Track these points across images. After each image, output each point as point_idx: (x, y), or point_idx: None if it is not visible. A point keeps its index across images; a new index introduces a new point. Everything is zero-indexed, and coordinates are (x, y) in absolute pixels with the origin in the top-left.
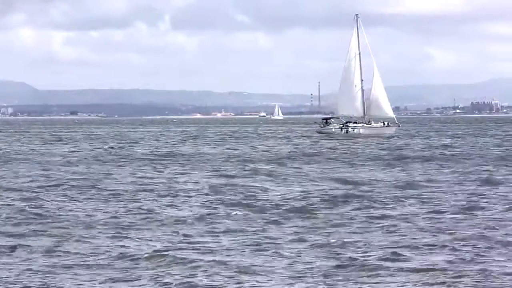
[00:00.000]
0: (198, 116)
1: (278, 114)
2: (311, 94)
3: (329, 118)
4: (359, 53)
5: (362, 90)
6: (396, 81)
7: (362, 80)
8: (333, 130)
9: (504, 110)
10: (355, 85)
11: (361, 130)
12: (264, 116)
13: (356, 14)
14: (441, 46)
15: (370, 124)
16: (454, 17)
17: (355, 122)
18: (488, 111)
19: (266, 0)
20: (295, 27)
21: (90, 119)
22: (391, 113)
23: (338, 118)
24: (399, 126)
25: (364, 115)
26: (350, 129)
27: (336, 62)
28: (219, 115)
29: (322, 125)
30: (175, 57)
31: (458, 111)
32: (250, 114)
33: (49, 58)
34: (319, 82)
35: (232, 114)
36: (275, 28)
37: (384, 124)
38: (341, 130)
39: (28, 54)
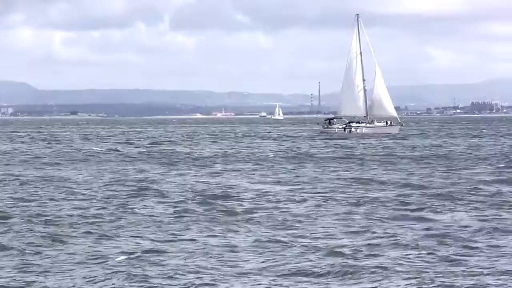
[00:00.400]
0: (199, 116)
1: (279, 114)
2: (311, 94)
3: (332, 119)
4: (361, 53)
5: (364, 90)
6: (396, 81)
7: (364, 80)
8: (336, 130)
9: (504, 110)
10: (357, 85)
11: (364, 130)
12: (265, 116)
13: (357, 14)
14: (441, 46)
15: (373, 123)
16: (454, 17)
17: (358, 122)
18: (488, 111)
19: (266, 0)
20: (295, 27)
21: (92, 118)
22: (394, 113)
23: (341, 118)
24: (402, 125)
25: (367, 115)
26: (353, 129)
27: (335, 62)
28: (219, 115)
29: (325, 126)
30: (176, 57)
31: (458, 111)
32: (251, 114)
33: (50, 58)
34: (319, 82)
35: (232, 114)
36: (275, 28)
37: (386, 123)
38: (344, 130)
39: (29, 54)
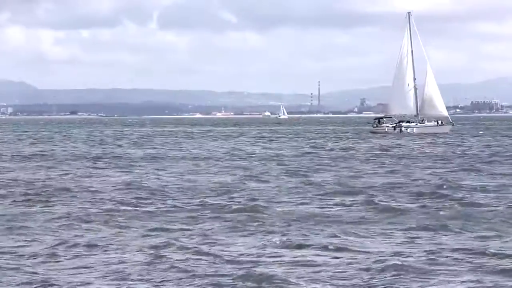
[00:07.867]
0: (198, 115)
1: (284, 114)
2: (311, 94)
3: (382, 118)
4: (412, 51)
5: (415, 89)
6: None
7: (415, 79)
8: (386, 129)
9: (504, 110)
10: (408, 84)
11: (415, 130)
12: (269, 115)
13: (408, 12)
14: (441, 45)
15: (424, 123)
16: (453, 17)
17: (408, 122)
18: (488, 111)
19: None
20: (292, 26)
21: (91, 118)
22: (445, 112)
23: (390, 117)
24: (453, 125)
25: (417, 114)
26: (403, 129)
27: (332, 62)
28: (219, 114)
29: (375, 125)
30: (176, 57)
31: (458, 110)
32: (251, 114)
33: (50, 58)
34: (319, 82)
35: (232, 113)
36: (271, 27)
37: (437, 123)
38: (394, 129)
39: (29, 53)
